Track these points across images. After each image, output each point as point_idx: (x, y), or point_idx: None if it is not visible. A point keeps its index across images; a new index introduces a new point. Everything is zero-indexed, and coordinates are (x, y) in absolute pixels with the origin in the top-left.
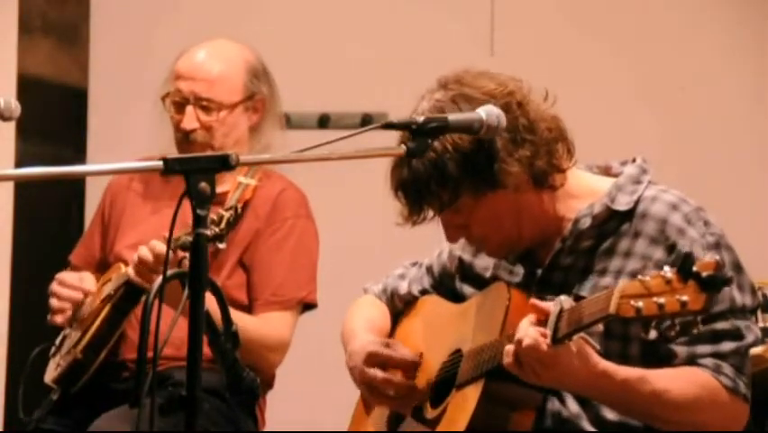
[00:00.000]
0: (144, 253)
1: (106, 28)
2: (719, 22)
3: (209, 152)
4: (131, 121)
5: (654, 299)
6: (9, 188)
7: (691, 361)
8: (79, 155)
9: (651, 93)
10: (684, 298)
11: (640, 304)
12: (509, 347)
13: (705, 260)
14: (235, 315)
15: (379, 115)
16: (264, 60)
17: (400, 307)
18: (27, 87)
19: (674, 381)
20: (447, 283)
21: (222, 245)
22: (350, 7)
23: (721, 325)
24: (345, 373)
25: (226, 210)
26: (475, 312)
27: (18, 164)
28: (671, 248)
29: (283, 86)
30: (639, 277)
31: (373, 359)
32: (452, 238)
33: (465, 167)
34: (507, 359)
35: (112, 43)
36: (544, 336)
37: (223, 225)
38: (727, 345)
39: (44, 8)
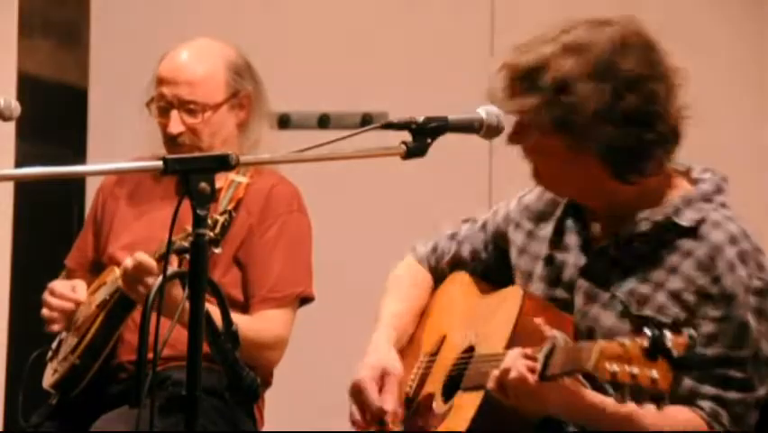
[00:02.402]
0: (128, 264)
1: (106, 28)
2: (720, 22)
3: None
4: (131, 121)
5: (627, 368)
6: (9, 188)
7: (692, 398)
8: (79, 155)
9: None
10: (654, 374)
11: (616, 369)
12: (495, 373)
13: (679, 338)
14: (231, 315)
15: (379, 115)
16: (262, 59)
17: (447, 271)
18: (27, 87)
19: (663, 418)
20: (500, 245)
21: (217, 250)
22: (350, 7)
23: (737, 373)
24: (345, 372)
25: (220, 214)
26: (493, 312)
27: (18, 164)
28: (715, 280)
29: (283, 86)
30: (619, 339)
31: (356, 390)
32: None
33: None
34: (491, 384)
35: (112, 43)
36: (532, 370)
37: (217, 229)
38: (734, 394)
39: (44, 8)
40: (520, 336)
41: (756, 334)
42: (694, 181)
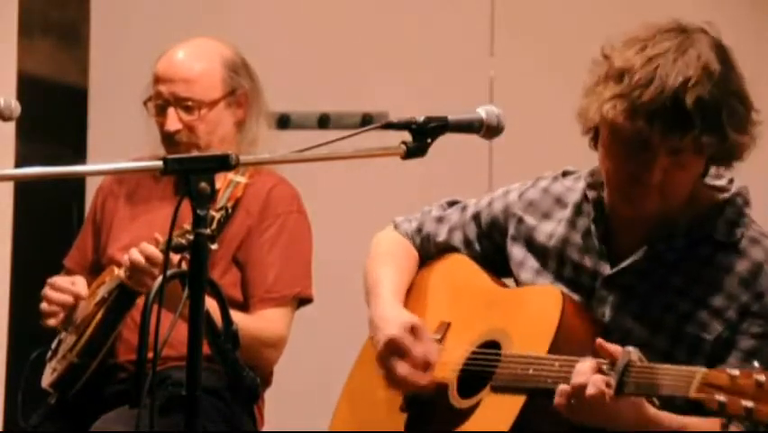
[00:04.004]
0: (135, 256)
1: (106, 28)
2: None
3: (195, 152)
4: (131, 121)
5: (743, 401)
6: (9, 188)
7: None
8: (79, 155)
9: None
10: None
11: (724, 399)
12: (564, 388)
13: None
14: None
15: (379, 115)
16: (262, 59)
17: (434, 253)
18: (27, 87)
19: None
20: (496, 238)
21: (213, 246)
22: (350, 7)
23: None
24: (344, 371)
25: (217, 211)
26: (521, 308)
27: (18, 164)
28: (758, 296)
29: (283, 86)
30: (728, 370)
31: (393, 346)
32: (654, 178)
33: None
34: (560, 400)
35: (112, 43)
36: (608, 384)
37: (214, 225)
38: None
39: (44, 8)
40: (563, 340)
41: None
42: (720, 190)
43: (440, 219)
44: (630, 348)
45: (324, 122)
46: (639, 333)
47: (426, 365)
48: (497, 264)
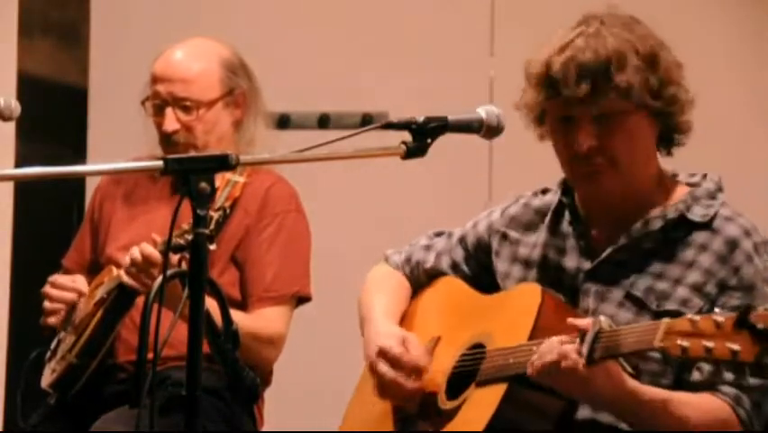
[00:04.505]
0: (135, 255)
1: (106, 28)
2: (721, 23)
3: (192, 152)
4: (131, 121)
5: (703, 341)
6: (9, 188)
7: (714, 383)
8: (79, 155)
9: None
10: (736, 347)
11: (686, 344)
12: (538, 358)
13: (761, 311)
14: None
15: (379, 115)
16: (262, 59)
17: (424, 280)
18: (27, 87)
19: (694, 407)
20: (482, 257)
21: (212, 247)
22: (350, 7)
23: None
24: (344, 371)
25: (215, 211)
26: (502, 309)
27: (18, 164)
28: (735, 270)
29: (283, 86)
30: (689, 316)
31: (384, 355)
32: (583, 144)
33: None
34: (533, 371)
35: (112, 43)
36: (579, 353)
37: (212, 225)
38: (753, 380)
39: (44, 8)
40: (543, 328)
41: None
42: (691, 184)
43: (428, 247)
44: (601, 317)
45: (324, 122)
46: (623, 318)
47: (416, 371)
48: (486, 284)
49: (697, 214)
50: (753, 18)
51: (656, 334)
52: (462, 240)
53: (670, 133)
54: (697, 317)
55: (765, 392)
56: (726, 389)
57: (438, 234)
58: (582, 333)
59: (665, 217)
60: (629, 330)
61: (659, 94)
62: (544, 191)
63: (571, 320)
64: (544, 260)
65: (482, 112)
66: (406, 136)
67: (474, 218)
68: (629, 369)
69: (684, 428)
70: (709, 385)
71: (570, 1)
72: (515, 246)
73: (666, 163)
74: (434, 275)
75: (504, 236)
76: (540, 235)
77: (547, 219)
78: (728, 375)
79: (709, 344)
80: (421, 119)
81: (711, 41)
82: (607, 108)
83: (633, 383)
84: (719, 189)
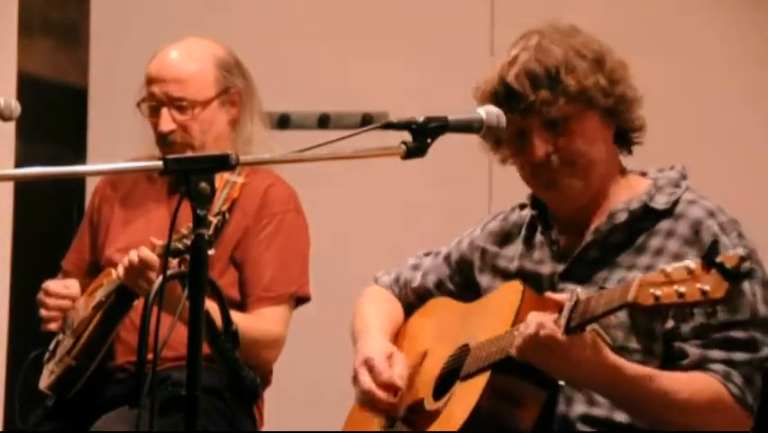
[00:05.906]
0: (132, 258)
1: (106, 28)
2: (721, 23)
3: (189, 152)
4: (131, 121)
5: (675, 287)
6: (9, 188)
7: (702, 364)
8: (79, 155)
9: (651, 93)
10: (706, 286)
11: (659, 292)
12: (518, 335)
13: (729, 253)
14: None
15: (379, 115)
16: (261, 59)
17: (413, 299)
18: (27, 87)
19: (682, 383)
20: (465, 273)
21: (211, 252)
22: (350, 7)
23: (738, 334)
24: (344, 371)
25: (214, 216)
26: (486, 310)
27: (18, 164)
28: (702, 250)
29: (283, 86)
30: (663, 267)
31: (367, 365)
32: (539, 150)
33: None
34: (516, 348)
35: (112, 43)
36: (557, 324)
37: (211, 231)
38: (740, 355)
39: (44, 8)
40: (524, 316)
41: (750, 297)
42: (655, 178)
43: (415, 267)
44: (578, 289)
45: (324, 122)
46: None
47: (391, 388)
48: (471, 299)
49: (660, 202)
50: (753, 18)
51: (630, 289)
52: (447, 258)
53: (625, 131)
54: (669, 268)
55: (755, 367)
56: (715, 366)
57: (427, 254)
58: (561, 307)
59: (629, 209)
60: (604, 292)
61: (609, 92)
62: (522, 206)
63: (549, 294)
64: (521, 270)
65: (482, 112)
66: (406, 136)
67: (459, 236)
68: (608, 340)
69: (674, 403)
70: (697, 366)
71: (570, 1)
72: (494, 260)
73: (666, 163)
74: (421, 294)
75: (484, 251)
76: (517, 248)
77: (522, 232)
78: (716, 353)
79: (681, 288)
80: (421, 119)
81: (711, 41)
82: (560, 113)
83: (615, 358)
84: (683, 177)
